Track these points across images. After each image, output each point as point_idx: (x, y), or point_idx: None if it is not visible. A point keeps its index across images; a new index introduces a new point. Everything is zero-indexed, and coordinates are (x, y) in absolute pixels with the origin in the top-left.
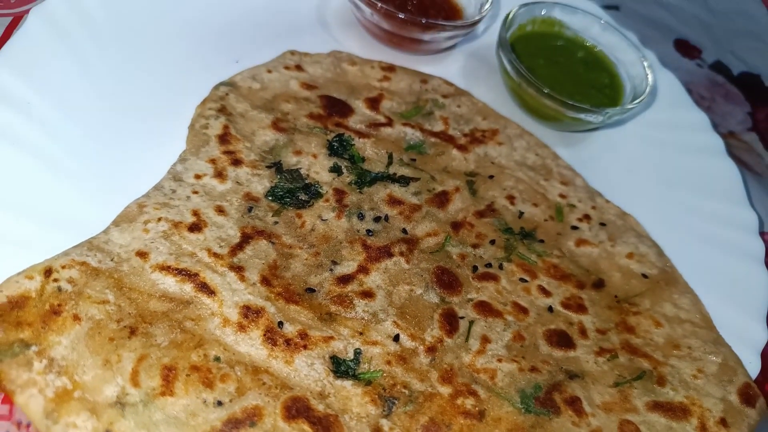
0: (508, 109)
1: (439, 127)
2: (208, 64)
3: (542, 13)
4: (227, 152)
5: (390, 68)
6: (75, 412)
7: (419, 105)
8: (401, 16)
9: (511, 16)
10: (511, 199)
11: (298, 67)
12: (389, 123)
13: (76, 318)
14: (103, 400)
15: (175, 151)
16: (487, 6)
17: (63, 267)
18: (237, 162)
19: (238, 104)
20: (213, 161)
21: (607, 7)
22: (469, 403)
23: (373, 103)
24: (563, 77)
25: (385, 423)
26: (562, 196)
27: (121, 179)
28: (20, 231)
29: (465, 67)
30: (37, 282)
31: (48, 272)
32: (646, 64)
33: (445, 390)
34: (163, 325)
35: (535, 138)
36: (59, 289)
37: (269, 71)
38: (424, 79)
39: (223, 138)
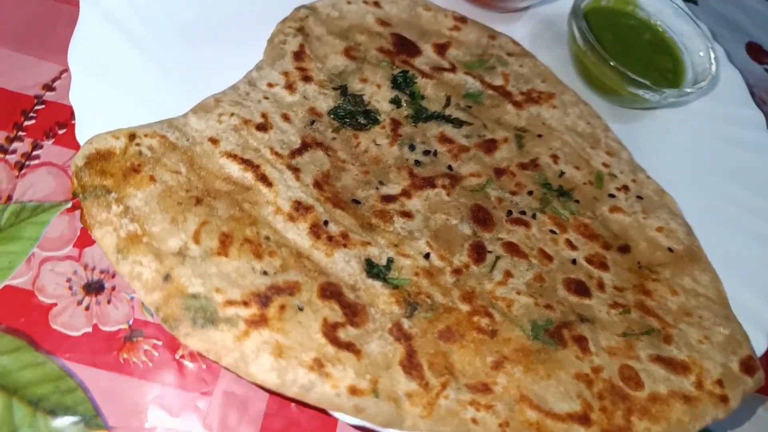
0: (569, 78)
1: (499, 81)
2: None
3: None
4: (300, 68)
5: (462, 19)
6: (142, 253)
7: (484, 58)
8: None
9: None
10: (554, 158)
11: (376, 4)
12: (452, 69)
13: (152, 179)
14: (167, 249)
15: (252, 60)
16: None
17: (146, 135)
18: (307, 78)
19: (315, 27)
20: (286, 74)
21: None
22: (484, 321)
23: (441, 48)
24: (628, 55)
25: (405, 322)
26: (605, 165)
27: (202, 75)
28: (113, 101)
29: (534, 30)
30: (122, 142)
31: (132, 136)
32: (712, 55)
33: (464, 307)
34: (225, 201)
35: (589, 107)
36: (140, 152)
37: (349, 2)
38: (493, 35)
39: (298, 55)
